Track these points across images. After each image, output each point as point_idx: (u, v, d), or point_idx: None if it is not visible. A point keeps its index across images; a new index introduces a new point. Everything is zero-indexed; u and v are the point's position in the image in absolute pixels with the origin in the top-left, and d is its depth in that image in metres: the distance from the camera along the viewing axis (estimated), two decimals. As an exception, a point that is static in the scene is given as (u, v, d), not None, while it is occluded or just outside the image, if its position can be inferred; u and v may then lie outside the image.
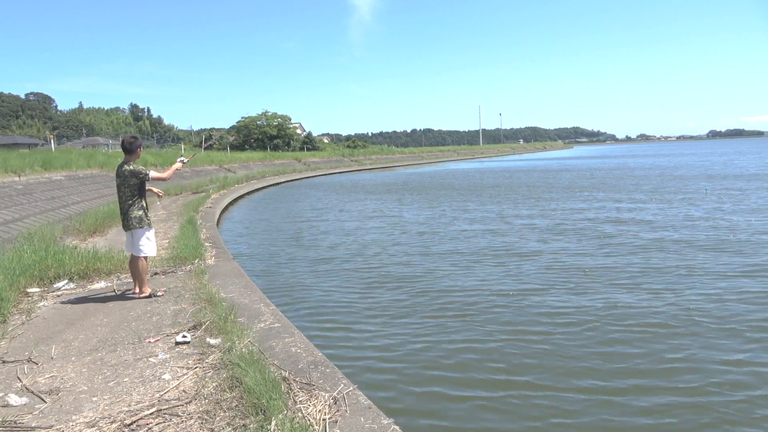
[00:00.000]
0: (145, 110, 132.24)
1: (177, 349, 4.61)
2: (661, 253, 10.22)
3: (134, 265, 6.32)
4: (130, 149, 6.30)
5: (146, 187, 6.50)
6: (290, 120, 71.39)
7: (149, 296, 6.31)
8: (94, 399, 3.74)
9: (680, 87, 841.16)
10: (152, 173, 6.35)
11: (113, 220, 12.61)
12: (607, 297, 7.55)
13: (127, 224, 6.28)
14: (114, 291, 6.71)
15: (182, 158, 7.10)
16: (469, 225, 14.95)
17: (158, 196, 7.32)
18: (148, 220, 6.35)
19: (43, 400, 3.75)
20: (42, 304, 6.26)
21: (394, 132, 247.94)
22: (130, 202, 6.22)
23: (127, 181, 6.19)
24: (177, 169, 6.81)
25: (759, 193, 19.97)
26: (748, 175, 29.56)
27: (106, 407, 3.60)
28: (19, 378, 4.15)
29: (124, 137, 6.60)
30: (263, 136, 66.42)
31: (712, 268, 8.87)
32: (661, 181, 28.00)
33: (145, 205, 6.33)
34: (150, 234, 6.37)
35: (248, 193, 28.87)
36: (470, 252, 11.05)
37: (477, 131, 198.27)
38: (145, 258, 6.35)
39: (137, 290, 6.39)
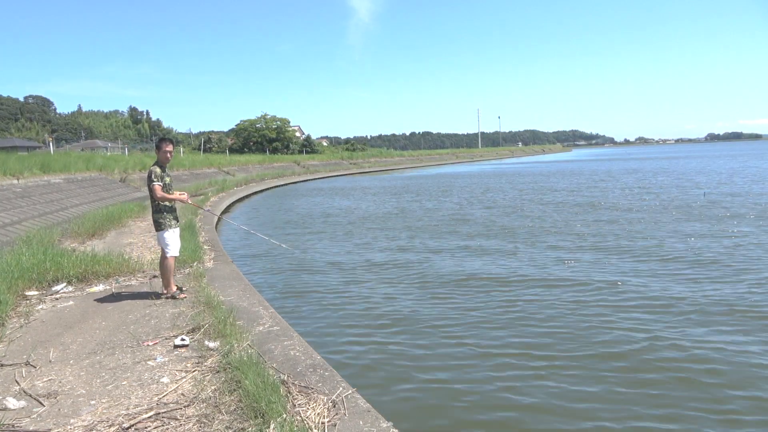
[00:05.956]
0: (144, 113, 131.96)
1: (176, 352, 4.60)
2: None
3: (161, 263, 6.43)
4: (156, 147, 6.36)
5: (171, 191, 6.40)
6: (289, 123, 71.54)
7: (171, 296, 6.35)
8: (92, 402, 3.73)
9: (678, 90, 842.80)
10: (156, 185, 6.11)
11: (112, 223, 12.61)
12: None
13: (154, 225, 6.41)
14: (112, 293, 6.71)
15: (185, 194, 6.49)
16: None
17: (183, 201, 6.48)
18: (166, 222, 6.29)
19: (41, 403, 3.74)
20: (40, 307, 6.25)
21: (393, 135, 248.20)
22: (151, 201, 6.30)
23: (146, 183, 6.29)
24: (177, 199, 6.32)
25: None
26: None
27: (104, 411, 3.59)
28: (17, 381, 4.14)
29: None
30: (262, 139, 66.52)
31: None
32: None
33: (164, 207, 6.28)
34: (168, 234, 6.30)
35: (246, 197, 28.86)
36: (476, 260, 11.05)
37: (476, 134, 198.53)
38: (173, 258, 6.36)
39: (165, 290, 6.45)
